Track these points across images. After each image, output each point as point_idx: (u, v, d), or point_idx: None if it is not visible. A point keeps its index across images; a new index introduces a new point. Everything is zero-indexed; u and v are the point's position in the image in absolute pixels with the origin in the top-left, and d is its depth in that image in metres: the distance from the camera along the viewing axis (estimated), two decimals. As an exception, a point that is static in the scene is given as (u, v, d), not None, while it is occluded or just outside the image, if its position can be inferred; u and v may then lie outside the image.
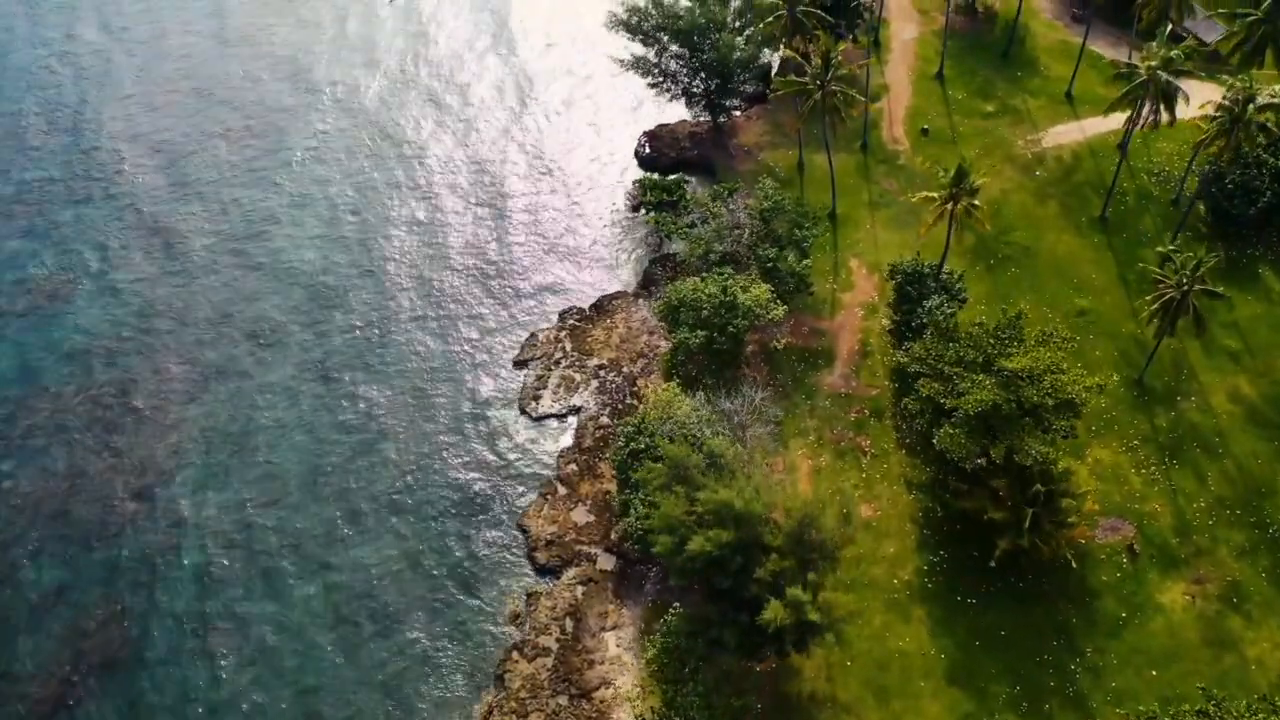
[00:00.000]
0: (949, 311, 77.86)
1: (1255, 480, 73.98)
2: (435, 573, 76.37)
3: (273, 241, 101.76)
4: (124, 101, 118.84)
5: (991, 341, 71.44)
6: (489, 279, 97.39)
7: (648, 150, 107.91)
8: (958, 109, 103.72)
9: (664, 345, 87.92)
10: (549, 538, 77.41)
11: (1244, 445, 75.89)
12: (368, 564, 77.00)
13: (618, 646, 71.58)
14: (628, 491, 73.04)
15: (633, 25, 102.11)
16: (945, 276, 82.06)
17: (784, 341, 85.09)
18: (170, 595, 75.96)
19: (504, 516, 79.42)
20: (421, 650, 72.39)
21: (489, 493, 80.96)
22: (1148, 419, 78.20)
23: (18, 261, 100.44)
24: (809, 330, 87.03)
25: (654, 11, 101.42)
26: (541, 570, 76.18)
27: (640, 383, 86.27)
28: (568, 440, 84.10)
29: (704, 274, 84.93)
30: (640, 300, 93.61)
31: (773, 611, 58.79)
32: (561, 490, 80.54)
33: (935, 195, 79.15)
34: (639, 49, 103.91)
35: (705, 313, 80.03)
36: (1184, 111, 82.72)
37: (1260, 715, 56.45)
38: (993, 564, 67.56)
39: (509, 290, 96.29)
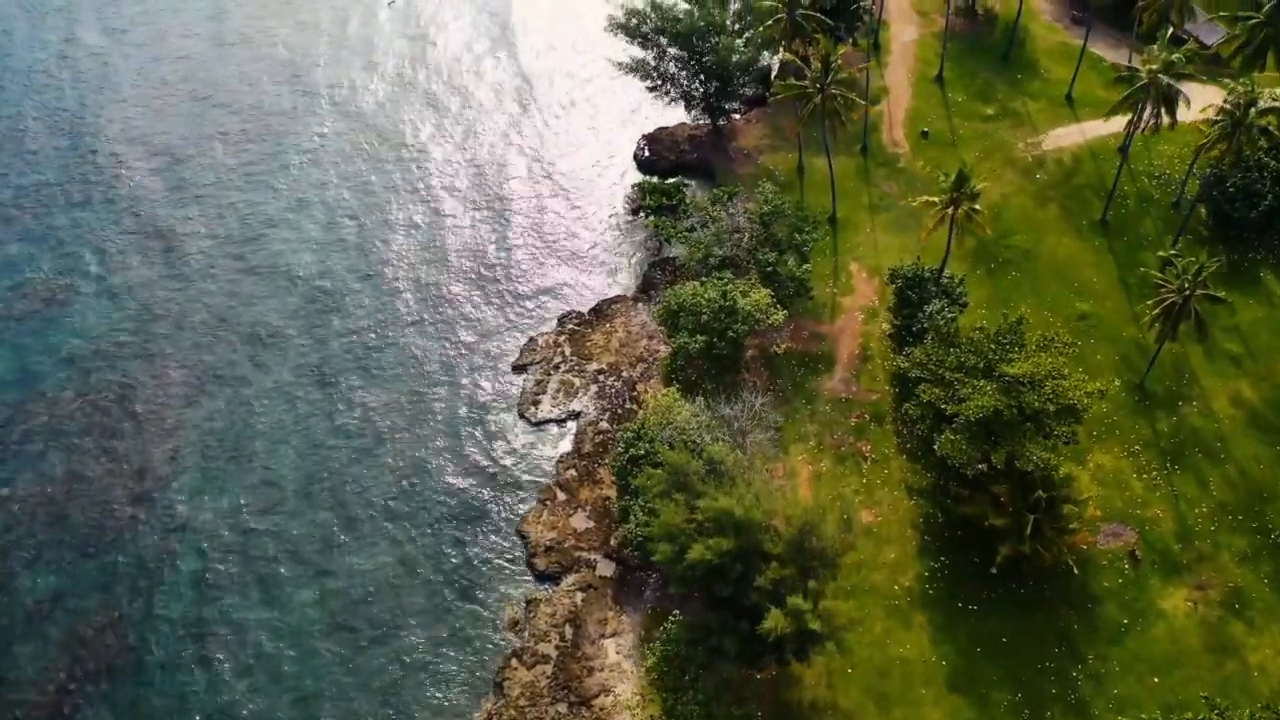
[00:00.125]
0: (950, 316, 77.55)
1: (1257, 485, 73.73)
2: (433, 578, 76.05)
3: (271, 245, 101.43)
4: (122, 105, 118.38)
5: (992, 346, 71.15)
6: (487, 283, 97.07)
7: (647, 153, 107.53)
8: (958, 112, 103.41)
9: (663, 350, 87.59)
10: (548, 544, 77.10)
11: (1246, 450, 75.64)
12: (366, 570, 76.71)
13: (617, 654, 71.29)
14: (627, 497, 72.72)
15: (631, 28, 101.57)
16: (946, 281, 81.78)
17: (784, 346, 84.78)
18: (168, 601, 75.66)
19: (503, 522, 79.12)
20: (420, 657, 72.08)
21: (487, 498, 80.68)
22: (1149, 424, 77.94)
23: (15, 265, 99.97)
24: (809, 335, 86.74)
25: (652, 14, 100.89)
26: (541, 576, 75.85)
27: (640, 388, 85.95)
28: (567, 445, 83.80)
29: (703, 278, 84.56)
30: (639, 304, 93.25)
31: (773, 621, 58.52)
32: (561, 496, 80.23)
33: (936, 200, 78.98)
34: (638, 52, 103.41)
35: (705, 317, 79.70)
36: (1185, 115, 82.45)
37: (1263, 723, 56.27)
38: (994, 570, 67.34)
39: (507, 294, 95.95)
